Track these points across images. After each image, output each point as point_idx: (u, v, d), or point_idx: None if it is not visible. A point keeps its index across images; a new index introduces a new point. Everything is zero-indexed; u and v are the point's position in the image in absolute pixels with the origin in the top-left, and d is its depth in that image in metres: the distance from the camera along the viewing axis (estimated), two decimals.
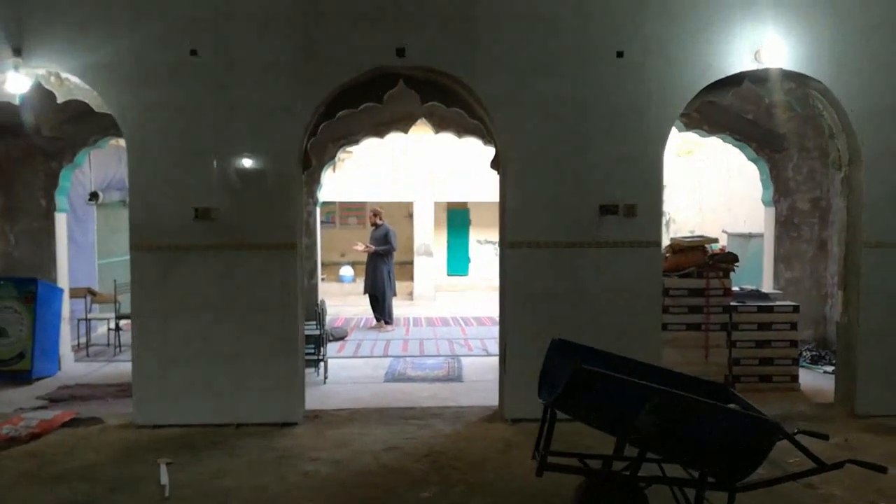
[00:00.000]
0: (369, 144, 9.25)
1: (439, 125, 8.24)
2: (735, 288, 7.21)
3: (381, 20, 5.65)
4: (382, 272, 10.97)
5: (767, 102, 6.84)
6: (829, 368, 7.29)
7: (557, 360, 3.81)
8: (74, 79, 5.70)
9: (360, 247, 11.22)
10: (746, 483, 3.39)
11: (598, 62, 5.73)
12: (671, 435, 3.31)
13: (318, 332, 7.46)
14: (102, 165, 9.46)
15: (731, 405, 3.54)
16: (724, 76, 5.73)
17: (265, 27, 5.62)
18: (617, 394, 3.36)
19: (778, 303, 7.13)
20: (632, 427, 3.33)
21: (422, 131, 9.06)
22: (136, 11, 5.58)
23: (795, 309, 7.03)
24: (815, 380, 7.17)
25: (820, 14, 5.73)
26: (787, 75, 5.82)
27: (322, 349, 7.47)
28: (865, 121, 5.80)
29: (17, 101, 5.98)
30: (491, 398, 6.25)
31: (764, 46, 5.61)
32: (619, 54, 5.69)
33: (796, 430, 3.54)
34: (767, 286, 8.33)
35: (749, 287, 7.54)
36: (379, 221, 11.17)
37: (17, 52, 5.52)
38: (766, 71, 5.74)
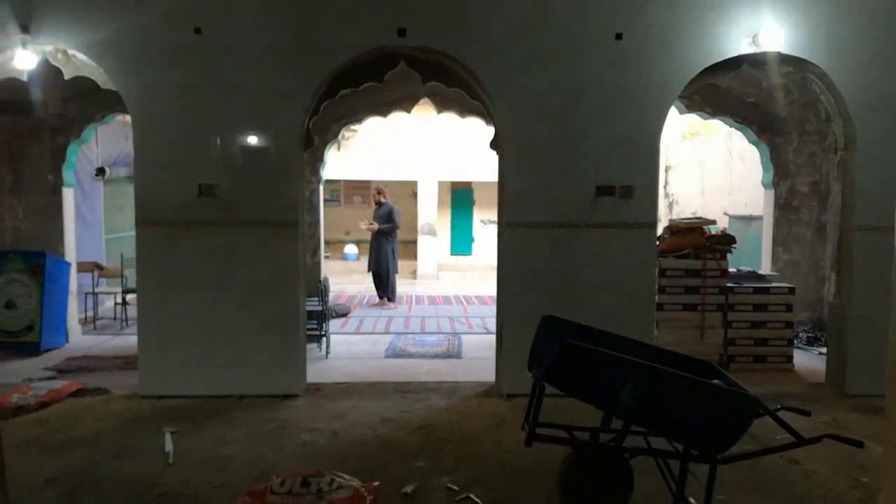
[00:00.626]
0: (374, 123, 9.32)
1: (442, 105, 8.30)
2: (732, 269, 7.29)
3: (382, 1, 5.70)
4: (386, 250, 11.09)
5: (766, 86, 6.86)
6: (825, 350, 7.36)
7: (547, 336, 3.92)
8: (81, 56, 5.78)
9: (365, 225, 11.32)
10: (728, 456, 3.50)
11: (597, 44, 5.78)
12: (655, 409, 3.42)
13: (320, 309, 7.59)
14: (109, 141, 9.56)
15: (715, 381, 3.64)
16: (722, 59, 5.78)
17: (267, 7, 5.69)
18: (602, 368, 3.46)
19: (774, 284, 7.20)
20: (617, 401, 3.44)
21: (425, 111, 9.12)
22: None
23: (791, 290, 7.10)
24: (810, 361, 7.26)
25: (818, 0, 5.75)
26: (785, 59, 5.86)
27: (324, 325, 7.60)
28: (861, 106, 5.84)
29: (24, 78, 6.06)
30: (488, 374, 6.38)
31: (762, 30, 5.65)
32: (618, 36, 5.74)
33: (779, 407, 3.65)
34: (766, 268, 8.40)
35: (746, 269, 7.61)
36: (382, 200, 11.26)
37: (25, 28, 5.61)
38: (764, 55, 5.79)
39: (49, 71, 6.13)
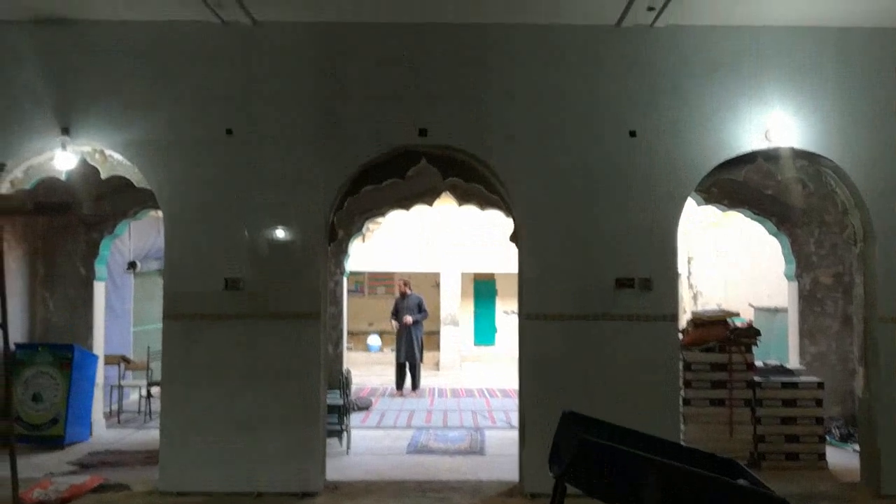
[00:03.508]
0: (397, 215, 9.53)
1: (462, 198, 8.48)
2: (758, 363, 7.17)
3: (404, 101, 5.98)
4: (418, 339, 11.49)
5: (780, 179, 6.95)
6: (858, 446, 7.14)
7: (568, 432, 3.87)
8: (117, 155, 6.07)
9: (409, 319, 11.55)
10: None
11: (612, 140, 5.95)
12: None
13: (341, 402, 7.55)
14: (141, 235, 9.84)
15: (740, 481, 3.55)
16: (735, 155, 5.91)
17: (295, 107, 5.98)
18: (624, 467, 3.40)
19: (802, 378, 7.06)
20: (640, 501, 3.36)
21: (447, 203, 9.31)
22: (175, 92, 5.99)
23: (820, 385, 6.95)
24: (844, 458, 7.02)
25: (827, 96, 5.92)
26: (799, 153, 5.97)
27: (345, 419, 7.54)
28: (877, 198, 5.90)
29: (63, 178, 6.34)
30: (512, 472, 6.24)
31: (773, 127, 5.79)
32: (632, 133, 5.91)
33: None
34: (793, 361, 8.25)
35: (773, 362, 7.49)
36: (408, 291, 11.54)
37: (66, 130, 5.92)
38: (777, 150, 5.91)
39: (85, 170, 6.41)
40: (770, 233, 8.47)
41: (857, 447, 7.19)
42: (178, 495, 5.70)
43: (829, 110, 5.91)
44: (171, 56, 6.01)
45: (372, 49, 6.02)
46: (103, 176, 6.32)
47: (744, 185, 7.74)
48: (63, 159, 6.01)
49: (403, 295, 11.62)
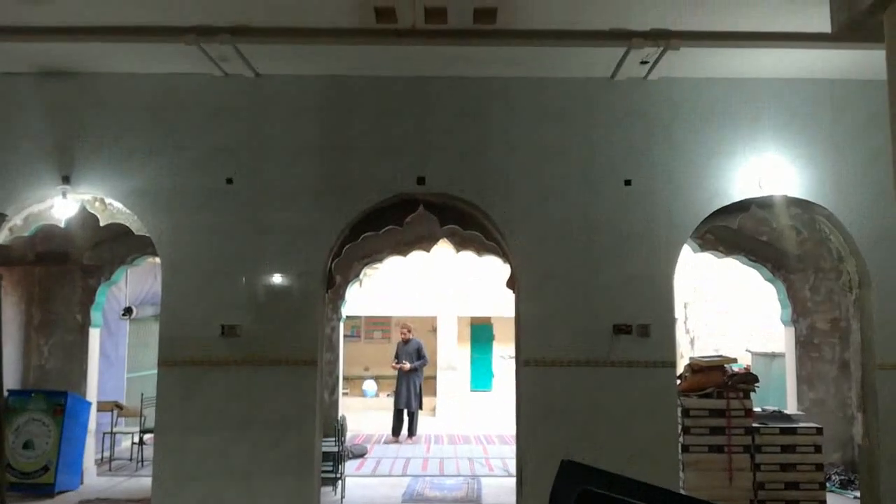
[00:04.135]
0: (395, 261, 9.55)
1: (460, 244, 8.52)
2: (757, 409, 7.13)
3: (403, 152, 6.06)
4: (416, 386, 11.39)
5: (775, 226, 7.02)
6: (859, 493, 7.07)
7: (566, 482, 3.84)
8: (117, 203, 6.12)
9: (407, 365, 11.48)
10: None
11: (607, 189, 6.03)
12: None
13: (336, 449, 7.47)
14: (138, 281, 9.84)
15: None
16: (730, 202, 5.98)
17: (296, 157, 6.06)
18: None
19: (801, 424, 7.01)
20: None
21: (444, 248, 9.35)
22: (177, 143, 6.07)
23: (819, 431, 6.89)
24: None
25: (820, 145, 6.02)
26: (792, 201, 6.05)
27: (340, 467, 7.45)
28: (872, 245, 5.96)
29: (62, 226, 6.37)
30: None
31: (766, 175, 5.88)
32: (627, 182, 6.00)
33: None
34: (791, 407, 8.22)
35: (771, 408, 7.44)
36: (410, 336, 11.56)
37: (66, 179, 5.98)
38: (771, 197, 5.98)
39: (84, 217, 6.45)
40: (765, 279, 8.52)
41: (857, 494, 7.13)
42: None
43: (822, 159, 6.01)
44: (174, 107, 6.11)
45: (373, 100, 6.13)
46: (102, 223, 6.36)
47: (739, 232, 7.81)
48: (63, 207, 6.06)
49: (406, 341, 11.67)
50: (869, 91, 6.02)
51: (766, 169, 5.92)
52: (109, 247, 8.03)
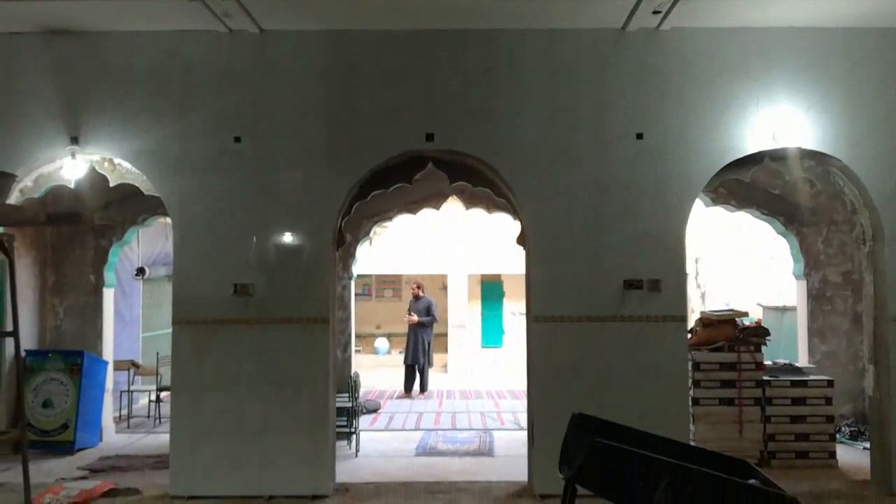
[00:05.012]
0: (405, 219, 9.54)
1: (469, 201, 8.50)
2: (768, 362, 7.16)
3: (411, 109, 6.00)
4: (425, 343, 11.53)
5: (788, 179, 6.94)
6: (868, 444, 7.12)
7: (577, 434, 3.87)
8: (126, 164, 6.12)
9: (415, 318, 11.68)
10: None
11: (619, 143, 5.96)
12: None
13: (350, 405, 7.58)
14: (150, 242, 9.89)
15: (751, 481, 3.55)
16: (742, 155, 5.90)
17: (303, 115, 6.00)
18: (634, 468, 3.40)
19: (812, 377, 7.04)
20: (650, 502, 3.36)
21: (454, 205, 9.32)
22: (182, 102, 6.03)
23: (830, 383, 6.94)
24: (855, 456, 7.00)
25: (835, 96, 5.91)
26: (806, 154, 5.97)
27: (354, 422, 7.57)
28: (886, 198, 5.88)
29: (71, 186, 6.38)
30: (521, 473, 6.25)
31: (780, 127, 5.78)
32: (639, 136, 5.92)
33: None
34: (803, 360, 8.23)
35: (782, 361, 7.47)
36: (421, 294, 11.75)
37: (75, 140, 5.97)
38: (784, 150, 5.90)
39: (94, 178, 6.46)
40: (778, 232, 8.45)
41: (867, 445, 7.18)
42: (189, 499, 5.73)
43: (837, 110, 5.90)
44: (180, 67, 6.05)
45: (380, 56, 6.05)
46: (112, 184, 6.37)
47: (751, 185, 7.73)
48: (72, 168, 6.06)
49: (416, 297, 11.86)
50: (887, 40, 5.89)
51: (779, 121, 5.82)
52: (120, 207, 8.05)
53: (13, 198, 6.12)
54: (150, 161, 6.01)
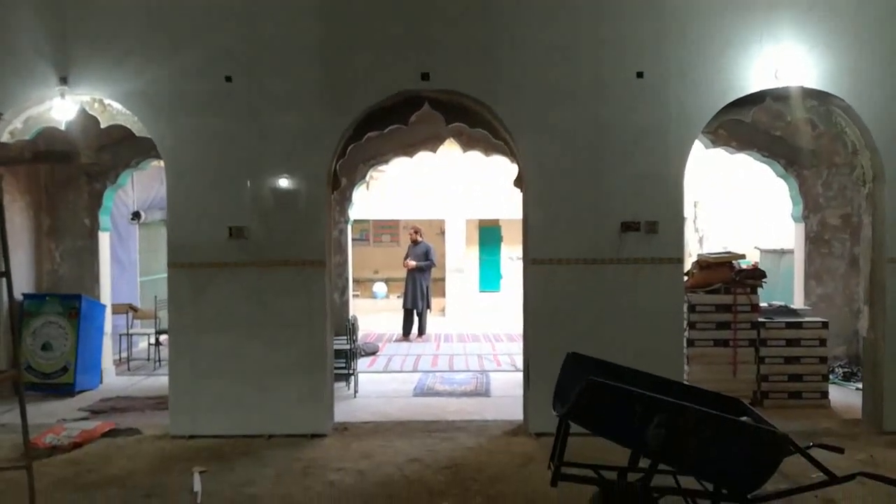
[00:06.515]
0: (401, 163, 9.46)
1: (467, 144, 8.41)
2: (763, 304, 7.19)
3: (406, 47, 5.86)
4: (423, 287, 11.63)
5: (789, 120, 6.84)
6: (861, 385, 7.20)
7: (571, 373, 3.91)
8: (117, 105, 6.01)
9: (413, 263, 11.79)
10: (760, 495, 3.43)
11: (619, 82, 5.85)
12: (682, 447, 3.38)
13: (348, 347, 7.63)
14: (145, 186, 9.81)
15: (744, 418, 3.59)
16: (744, 94, 5.80)
17: (295, 55, 5.87)
18: (627, 406, 3.44)
19: (806, 319, 7.08)
20: (643, 439, 3.41)
21: (451, 149, 9.23)
22: (173, 42, 5.89)
23: (824, 325, 6.97)
24: (847, 397, 7.09)
25: (840, 34, 5.77)
26: (809, 93, 5.86)
27: (353, 363, 7.64)
28: (888, 139, 5.80)
29: (62, 128, 6.28)
30: (517, 412, 6.34)
31: (783, 65, 5.66)
32: (640, 74, 5.80)
33: (811, 444, 3.58)
34: (799, 302, 8.27)
35: (777, 303, 7.50)
36: (419, 238, 11.86)
37: (64, 80, 5.84)
38: (787, 89, 5.79)
39: (85, 120, 6.35)
40: (777, 175, 8.39)
41: (859, 386, 7.26)
42: (190, 438, 5.81)
43: (842, 48, 5.77)
44: (170, 5, 5.88)
45: None
46: (103, 125, 6.26)
47: (752, 126, 7.62)
48: (62, 109, 5.95)
49: (415, 242, 11.93)
50: None
51: (782, 59, 5.70)
52: (113, 150, 7.95)
53: (2, 138, 6.04)
54: (141, 102, 5.89)
